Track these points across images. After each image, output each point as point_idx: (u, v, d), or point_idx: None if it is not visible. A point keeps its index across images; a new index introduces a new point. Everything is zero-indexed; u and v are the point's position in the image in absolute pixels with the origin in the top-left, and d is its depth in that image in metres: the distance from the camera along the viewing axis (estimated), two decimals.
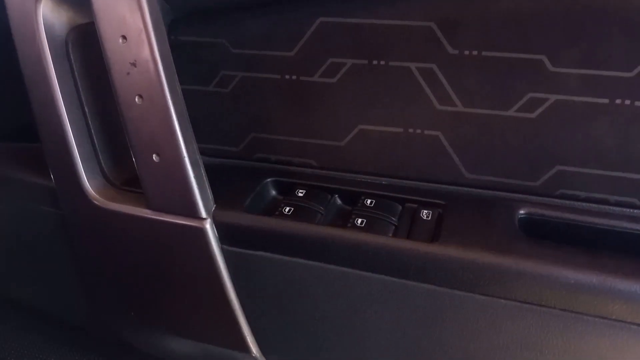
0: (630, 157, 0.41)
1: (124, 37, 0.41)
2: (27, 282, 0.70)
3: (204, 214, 0.46)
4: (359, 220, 0.44)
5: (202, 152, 0.51)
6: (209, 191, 0.46)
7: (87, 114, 0.49)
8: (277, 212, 0.47)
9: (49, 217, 0.57)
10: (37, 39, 0.45)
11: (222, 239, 0.47)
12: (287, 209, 0.47)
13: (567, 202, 0.44)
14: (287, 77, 0.49)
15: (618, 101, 0.40)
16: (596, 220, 0.42)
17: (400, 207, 0.47)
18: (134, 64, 0.42)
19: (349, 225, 0.44)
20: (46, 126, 0.48)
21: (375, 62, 0.45)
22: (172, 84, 0.42)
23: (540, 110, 0.42)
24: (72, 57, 0.47)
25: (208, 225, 0.46)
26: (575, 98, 0.41)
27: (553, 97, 0.41)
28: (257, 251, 0.46)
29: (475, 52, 0.42)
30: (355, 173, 0.50)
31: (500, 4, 0.41)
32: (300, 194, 0.49)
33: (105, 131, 0.50)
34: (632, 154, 0.41)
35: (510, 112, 0.43)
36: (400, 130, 0.47)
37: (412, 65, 0.44)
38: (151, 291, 0.54)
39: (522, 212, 0.44)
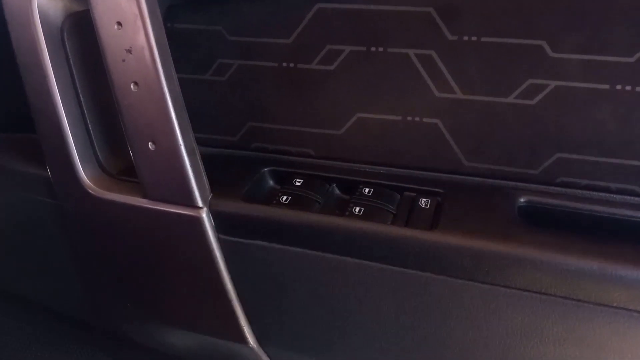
0: (631, 144, 0.41)
1: (119, 24, 0.41)
2: (25, 274, 0.70)
3: (200, 203, 0.45)
4: (357, 209, 0.44)
5: (199, 142, 0.50)
6: (205, 180, 0.46)
7: (83, 102, 0.48)
8: (274, 202, 0.46)
9: (45, 207, 0.57)
10: (32, 27, 0.44)
11: (219, 228, 0.46)
12: (285, 198, 0.46)
13: (568, 189, 0.44)
14: (284, 64, 0.48)
15: (619, 87, 0.39)
16: (597, 208, 0.42)
17: (398, 196, 0.47)
18: (129, 51, 0.41)
19: (347, 214, 0.44)
20: (41, 115, 0.48)
21: (373, 48, 0.45)
22: (168, 71, 0.42)
23: (540, 96, 0.42)
24: (67, 45, 0.47)
25: (204, 215, 0.46)
26: (576, 84, 0.40)
27: (553, 83, 0.41)
28: (254, 240, 0.46)
29: (474, 38, 0.42)
30: (353, 162, 0.50)
31: None
32: (297, 183, 0.48)
33: (101, 120, 0.50)
34: (633, 141, 0.41)
35: (510, 99, 0.43)
36: (399, 118, 0.46)
37: (411, 52, 0.44)
38: (147, 282, 0.54)
39: (522, 200, 0.43)
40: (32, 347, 0.79)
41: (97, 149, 0.50)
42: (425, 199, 0.45)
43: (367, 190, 0.46)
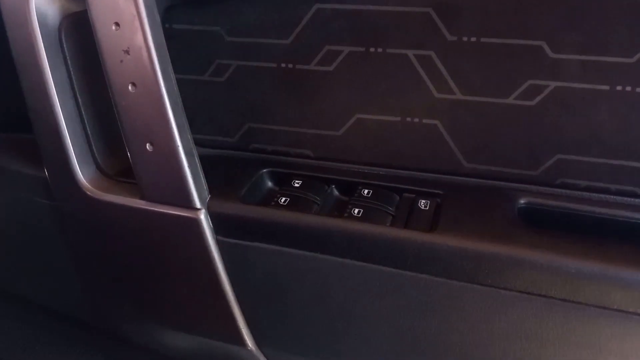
0: (631, 145, 0.41)
1: (117, 24, 0.41)
2: (25, 274, 0.70)
3: (198, 205, 0.45)
4: (356, 210, 0.44)
5: (197, 143, 0.50)
6: (203, 181, 0.46)
7: (80, 103, 0.48)
8: (272, 203, 0.46)
9: (43, 208, 0.56)
10: (30, 28, 0.44)
11: (217, 229, 0.46)
12: (283, 199, 0.46)
13: (568, 191, 0.43)
14: (283, 65, 0.48)
15: (619, 87, 0.39)
16: (597, 209, 0.42)
17: (397, 197, 0.46)
18: (127, 52, 0.41)
19: (346, 215, 0.44)
20: (39, 116, 0.48)
21: (372, 49, 0.45)
22: (165, 72, 0.42)
23: (540, 97, 0.41)
24: (65, 45, 0.46)
25: (202, 216, 0.45)
26: (576, 85, 0.40)
27: (553, 84, 0.41)
28: (252, 242, 0.46)
29: (473, 39, 0.42)
30: (352, 163, 0.49)
31: None
32: (296, 185, 0.48)
33: (98, 121, 0.50)
34: (633, 142, 0.40)
35: (510, 100, 0.42)
36: (398, 119, 0.46)
37: (410, 53, 0.44)
38: (145, 283, 0.54)
39: (522, 201, 0.43)
40: (32, 347, 0.78)
41: (94, 150, 0.50)
42: (424, 200, 0.45)
43: (366, 191, 0.46)
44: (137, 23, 0.40)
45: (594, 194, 0.43)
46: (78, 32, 0.47)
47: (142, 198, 0.47)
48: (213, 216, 0.46)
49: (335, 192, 0.49)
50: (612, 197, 0.42)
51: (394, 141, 0.47)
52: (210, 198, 0.46)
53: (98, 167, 0.51)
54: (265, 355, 0.54)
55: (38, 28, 0.44)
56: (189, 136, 0.44)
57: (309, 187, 0.48)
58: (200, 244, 0.46)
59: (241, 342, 0.52)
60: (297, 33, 0.47)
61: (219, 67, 0.51)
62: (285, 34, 0.47)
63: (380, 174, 0.48)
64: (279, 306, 0.49)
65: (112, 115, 0.45)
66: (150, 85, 0.41)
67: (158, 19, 0.42)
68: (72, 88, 0.47)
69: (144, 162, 0.45)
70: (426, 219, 0.43)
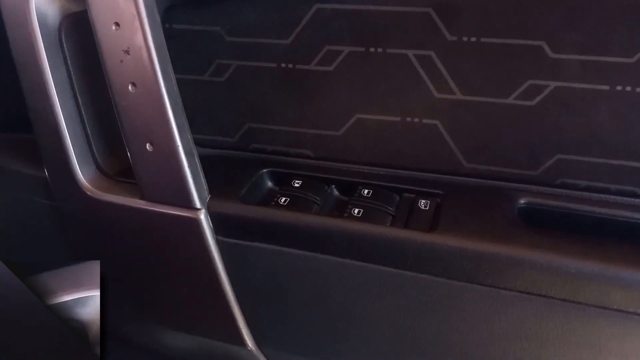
0: (631, 145, 0.41)
1: (117, 24, 0.41)
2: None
3: (198, 205, 0.45)
4: (356, 210, 0.44)
5: (197, 143, 0.50)
6: (203, 181, 0.46)
7: (80, 103, 0.48)
8: (272, 203, 0.46)
9: (43, 208, 0.56)
10: (30, 28, 0.44)
11: (217, 229, 0.46)
12: (283, 199, 0.46)
13: (568, 191, 0.43)
14: (283, 65, 0.48)
15: (619, 87, 0.39)
16: (597, 209, 0.42)
17: (397, 197, 0.46)
18: (127, 52, 0.41)
19: (346, 215, 0.44)
20: (39, 116, 0.48)
21: (372, 49, 0.45)
22: (165, 72, 0.42)
23: (540, 97, 0.42)
24: (65, 45, 0.46)
25: (202, 216, 0.45)
26: (576, 85, 0.40)
27: (553, 84, 0.41)
28: (252, 242, 0.46)
29: (473, 39, 0.42)
30: (353, 163, 0.50)
31: None
32: (296, 185, 0.48)
33: (98, 121, 0.50)
34: (633, 142, 0.40)
35: (510, 100, 0.42)
36: (398, 119, 0.46)
37: (410, 53, 0.44)
38: (145, 283, 0.54)
39: (522, 201, 0.43)
40: None
41: (94, 150, 0.50)
42: (424, 200, 0.45)
43: (366, 191, 0.46)
44: (137, 23, 0.40)
45: (594, 194, 0.43)
46: (78, 32, 0.47)
47: (142, 198, 0.47)
48: (213, 216, 0.46)
49: (335, 192, 0.49)
50: (612, 197, 0.42)
51: (394, 141, 0.47)
52: (210, 198, 0.46)
53: (98, 167, 0.51)
54: (265, 355, 0.54)
55: (38, 28, 0.44)
56: (189, 136, 0.44)
57: (309, 187, 0.48)
58: (200, 244, 0.46)
59: (241, 342, 0.52)
60: (297, 33, 0.47)
61: (219, 67, 0.51)
62: (285, 34, 0.47)
63: (380, 174, 0.48)
64: (279, 306, 0.49)
65: (112, 115, 0.45)
66: (150, 85, 0.41)
67: (158, 19, 0.42)
68: (72, 88, 0.47)
69: (144, 162, 0.45)
70: (426, 219, 0.43)
